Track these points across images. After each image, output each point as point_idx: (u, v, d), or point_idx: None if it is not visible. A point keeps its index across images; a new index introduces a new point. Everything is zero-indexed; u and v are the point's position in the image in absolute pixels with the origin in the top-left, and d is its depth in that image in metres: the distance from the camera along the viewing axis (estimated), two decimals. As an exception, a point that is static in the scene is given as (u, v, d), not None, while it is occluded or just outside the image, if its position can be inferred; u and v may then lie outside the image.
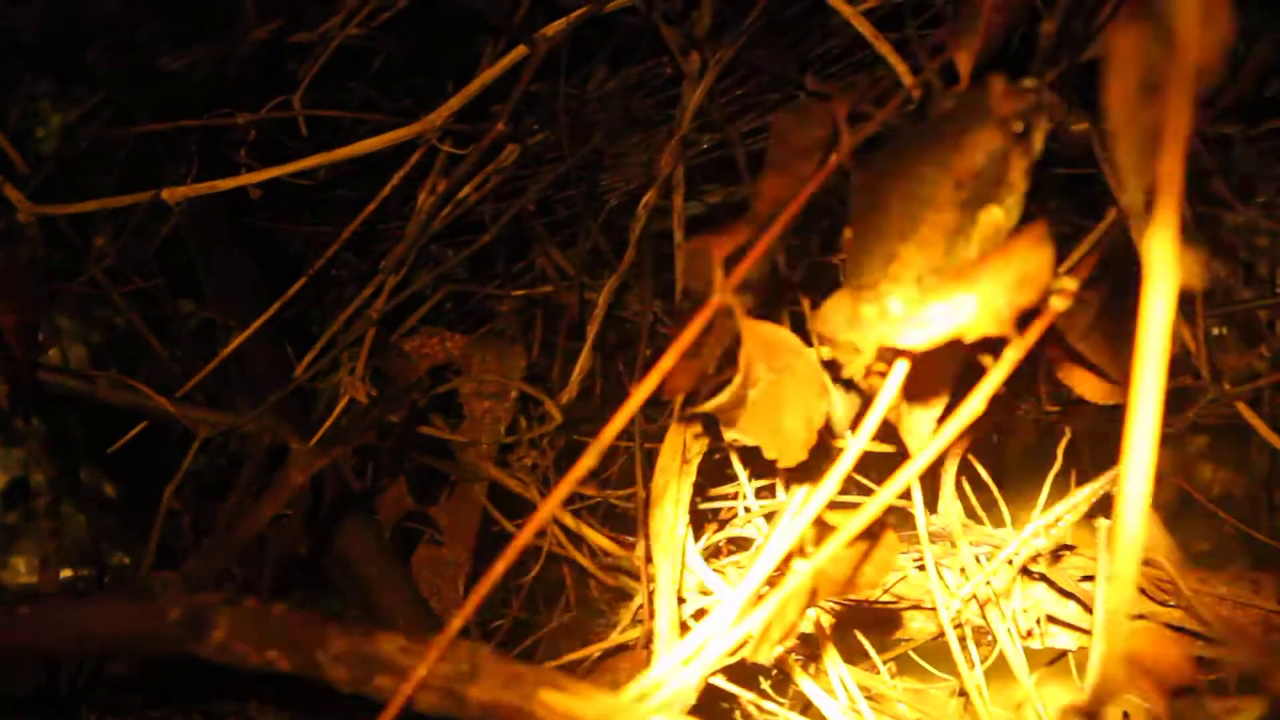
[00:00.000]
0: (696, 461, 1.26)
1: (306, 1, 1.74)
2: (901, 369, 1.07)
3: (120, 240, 1.57)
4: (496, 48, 1.50)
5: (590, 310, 1.36)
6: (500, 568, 1.06)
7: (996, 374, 1.02)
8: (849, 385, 1.15)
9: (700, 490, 1.30)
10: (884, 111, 1.20)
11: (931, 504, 1.20)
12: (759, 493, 1.31)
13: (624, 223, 1.39)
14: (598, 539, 1.30)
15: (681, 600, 1.24)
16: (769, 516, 1.30)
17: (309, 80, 1.59)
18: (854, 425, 1.16)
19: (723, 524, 1.32)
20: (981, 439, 1.22)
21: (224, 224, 1.46)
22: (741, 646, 1.06)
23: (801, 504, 1.21)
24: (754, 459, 1.30)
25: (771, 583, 1.06)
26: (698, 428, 1.25)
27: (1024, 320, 1.04)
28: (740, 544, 1.33)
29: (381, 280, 1.39)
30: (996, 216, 1.04)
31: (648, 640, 1.23)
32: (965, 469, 1.23)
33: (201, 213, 1.46)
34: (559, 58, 1.43)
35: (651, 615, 1.21)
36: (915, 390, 1.11)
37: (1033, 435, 1.28)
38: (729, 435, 1.21)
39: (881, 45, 1.31)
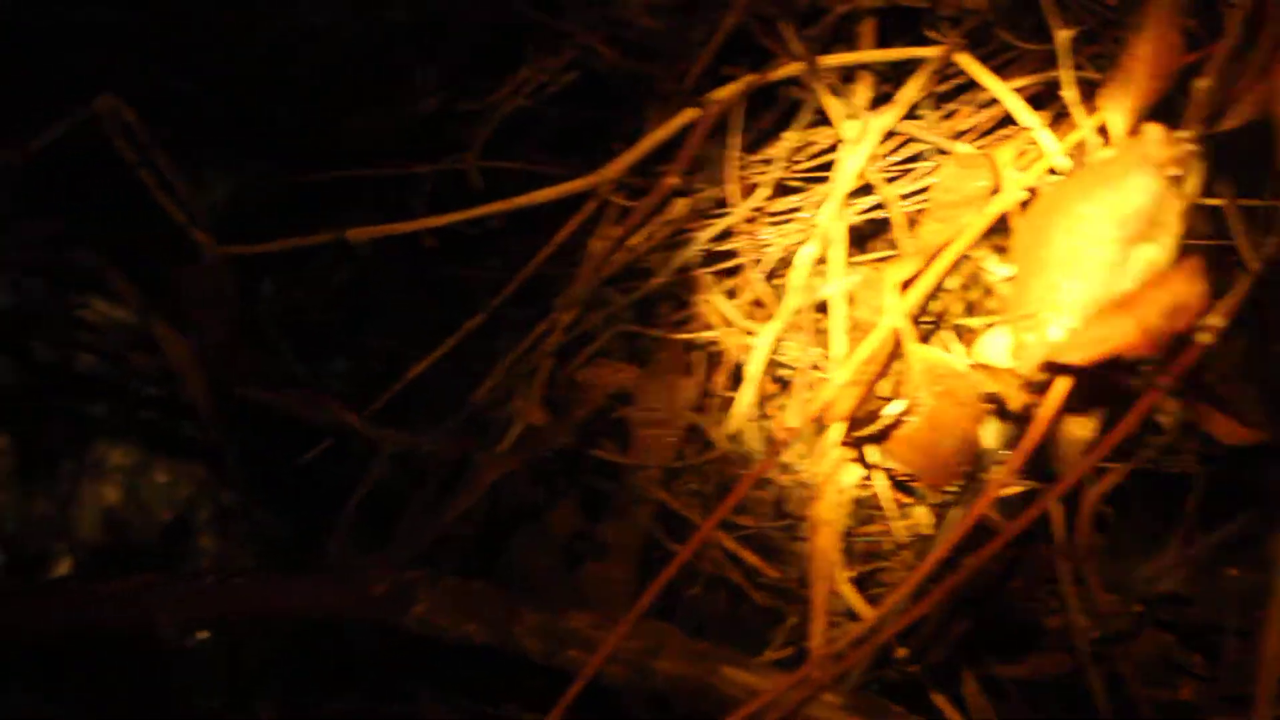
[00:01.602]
0: (851, 489, 1.34)
1: (476, 74, 1.87)
2: (1061, 389, 1.14)
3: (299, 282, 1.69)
4: (665, 110, 1.61)
5: (750, 354, 1.45)
6: (667, 575, 1.16)
7: (1146, 400, 1.10)
8: (1004, 414, 1.23)
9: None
10: (1035, 172, 1.29)
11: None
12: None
13: (784, 274, 1.49)
14: (754, 561, 1.38)
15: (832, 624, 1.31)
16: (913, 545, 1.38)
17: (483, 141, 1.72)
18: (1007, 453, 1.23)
19: (871, 555, 1.40)
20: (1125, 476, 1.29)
21: (404, 266, 1.57)
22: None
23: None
24: (901, 488, 1.38)
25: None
26: (853, 453, 1.33)
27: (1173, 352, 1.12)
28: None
29: (555, 318, 1.49)
30: (1152, 254, 1.12)
31: (799, 659, 1.30)
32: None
33: (383, 256, 1.57)
34: (726, 120, 1.53)
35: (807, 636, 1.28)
36: (1070, 415, 1.17)
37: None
38: (883, 460, 1.30)
39: (1031, 120, 1.41)
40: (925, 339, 1.36)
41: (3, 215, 1.59)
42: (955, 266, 1.34)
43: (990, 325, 1.33)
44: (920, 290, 1.31)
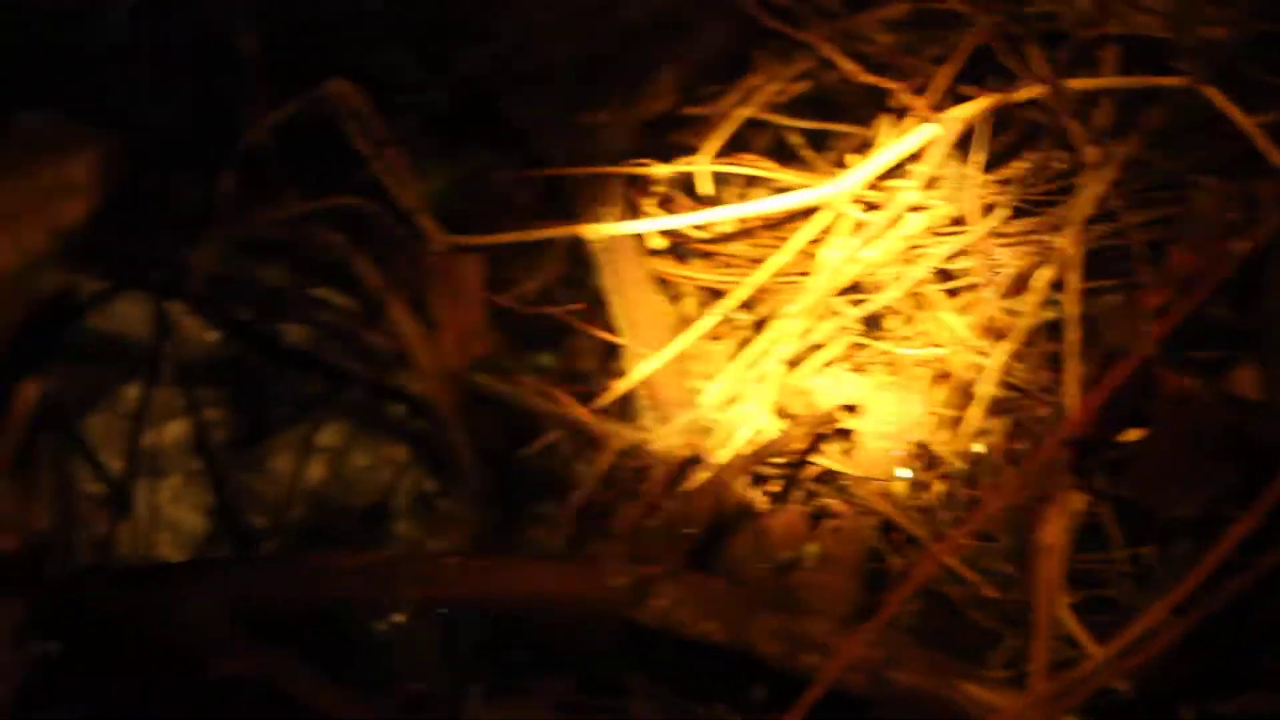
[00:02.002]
0: (1077, 514, 1.33)
1: (706, 79, 1.89)
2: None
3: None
4: (899, 125, 1.61)
5: (981, 373, 1.45)
6: (906, 590, 1.17)
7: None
8: (1253, 449, 1.21)
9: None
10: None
11: None
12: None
13: (1017, 295, 1.49)
14: (975, 579, 1.38)
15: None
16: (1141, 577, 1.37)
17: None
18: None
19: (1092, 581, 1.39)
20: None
21: (637, 264, 1.59)
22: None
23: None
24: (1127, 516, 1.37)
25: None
26: (1082, 479, 1.32)
27: None
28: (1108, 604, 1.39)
29: (786, 325, 1.51)
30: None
31: (1017, 680, 1.30)
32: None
33: (616, 253, 1.59)
34: (967, 138, 1.53)
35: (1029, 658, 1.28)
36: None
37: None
38: (1114, 487, 1.29)
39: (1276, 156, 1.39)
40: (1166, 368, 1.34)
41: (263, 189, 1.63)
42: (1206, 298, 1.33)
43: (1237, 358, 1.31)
44: (1171, 319, 1.30)
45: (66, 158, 0.72)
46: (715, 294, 1.69)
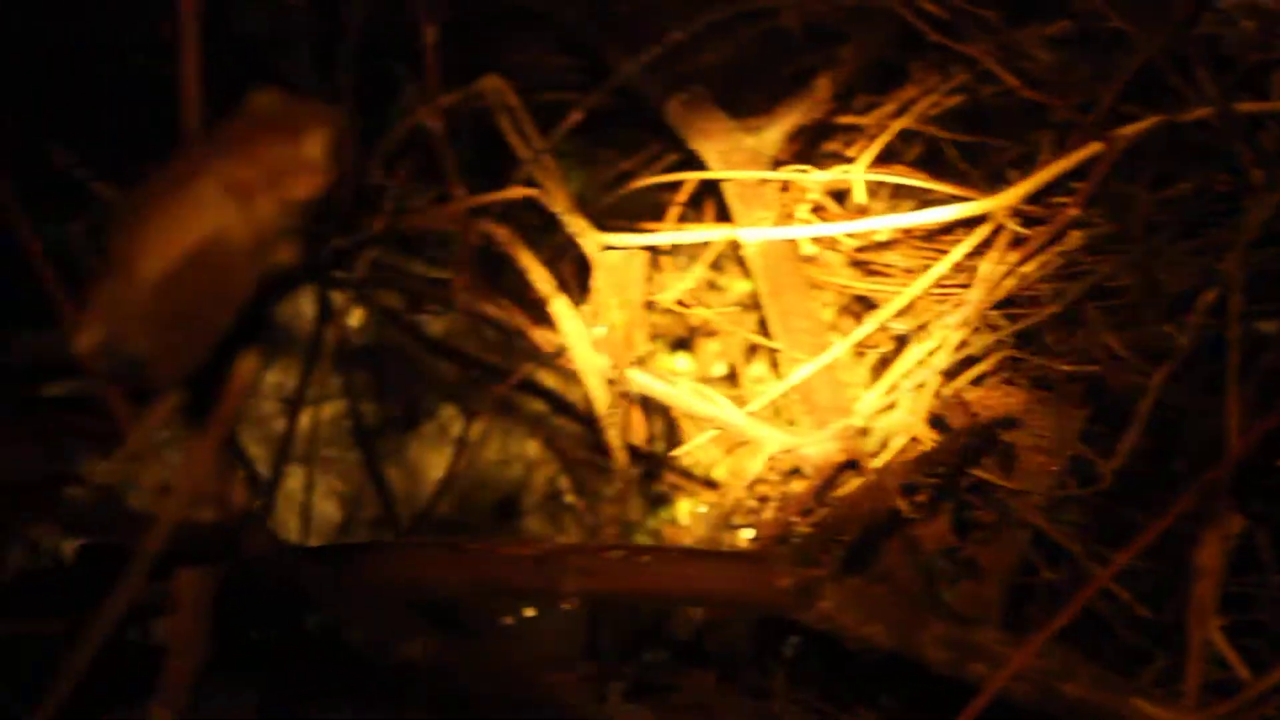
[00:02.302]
0: (1234, 538, 1.33)
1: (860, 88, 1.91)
2: None
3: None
4: (1059, 141, 1.62)
5: (1141, 393, 1.45)
6: (1072, 609, 1.17)
7: None
8: None
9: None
10: None
11: None
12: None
13: (1178, 318, 1.49)
14: (1127, 598, 1.39)
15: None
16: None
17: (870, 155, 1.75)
18: None
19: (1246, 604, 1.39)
20: None
21: (791, 270, 1.60)
22: None
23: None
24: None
25: None
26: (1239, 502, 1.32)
27: None
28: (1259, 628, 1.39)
29: (946, 336, 1.51)
30: None
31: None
32: None
33: (771, 258, 1.61)
34: (1130, 156, 1.53)
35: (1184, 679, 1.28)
36: None
37: None
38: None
39: None
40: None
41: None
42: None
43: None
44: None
45: (299, 135, 0.74)
46: (867, 302, 1.70)
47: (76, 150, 1.86)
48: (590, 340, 1.48)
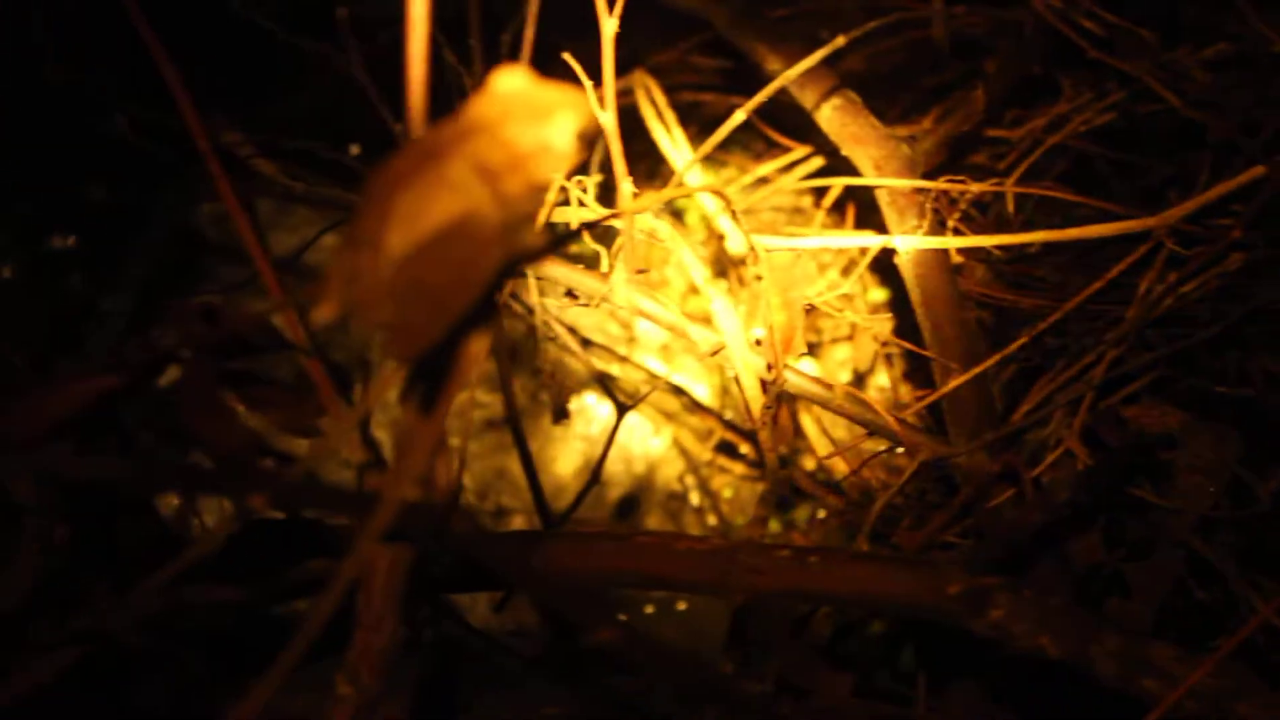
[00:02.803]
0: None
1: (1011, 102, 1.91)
2: None
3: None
4: (1220, 162, 1.61)
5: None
6: (1244, 632, 1.17)
7: None
8: None
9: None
10: None
11: None
12: None
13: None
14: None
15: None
16: None
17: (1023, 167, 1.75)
18: None
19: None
20: None
21: (944, 280, 1.60)
22: None
23: None
24: None
25: None
26: None
27: None
28: None
29: (1102, 352, 1.51)
30: None
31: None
32: None
33: (924, 267, 1.61)
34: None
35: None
36: None
37: None
38: None
39: None
40: None
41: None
42: None
43: None
44: None
45: (546, 119, 0.75)
46: (1020, 314, 1.70)
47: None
48: (749, 340, 1.48)
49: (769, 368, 1.48)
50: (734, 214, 1.48)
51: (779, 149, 2.15)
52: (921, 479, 1.56)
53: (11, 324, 2.11)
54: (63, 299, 2.20)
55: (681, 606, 2.06)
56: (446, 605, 1.40)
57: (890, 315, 1.97)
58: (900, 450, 1.58)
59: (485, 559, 1.08)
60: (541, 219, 0.83)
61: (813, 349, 2.15)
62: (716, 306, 1.50)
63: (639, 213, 1.42)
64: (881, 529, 1.56)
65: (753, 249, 1.48)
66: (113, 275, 2.16)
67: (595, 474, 1.55)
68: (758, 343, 1.51)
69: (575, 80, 1.33)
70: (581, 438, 2.25)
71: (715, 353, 1.53)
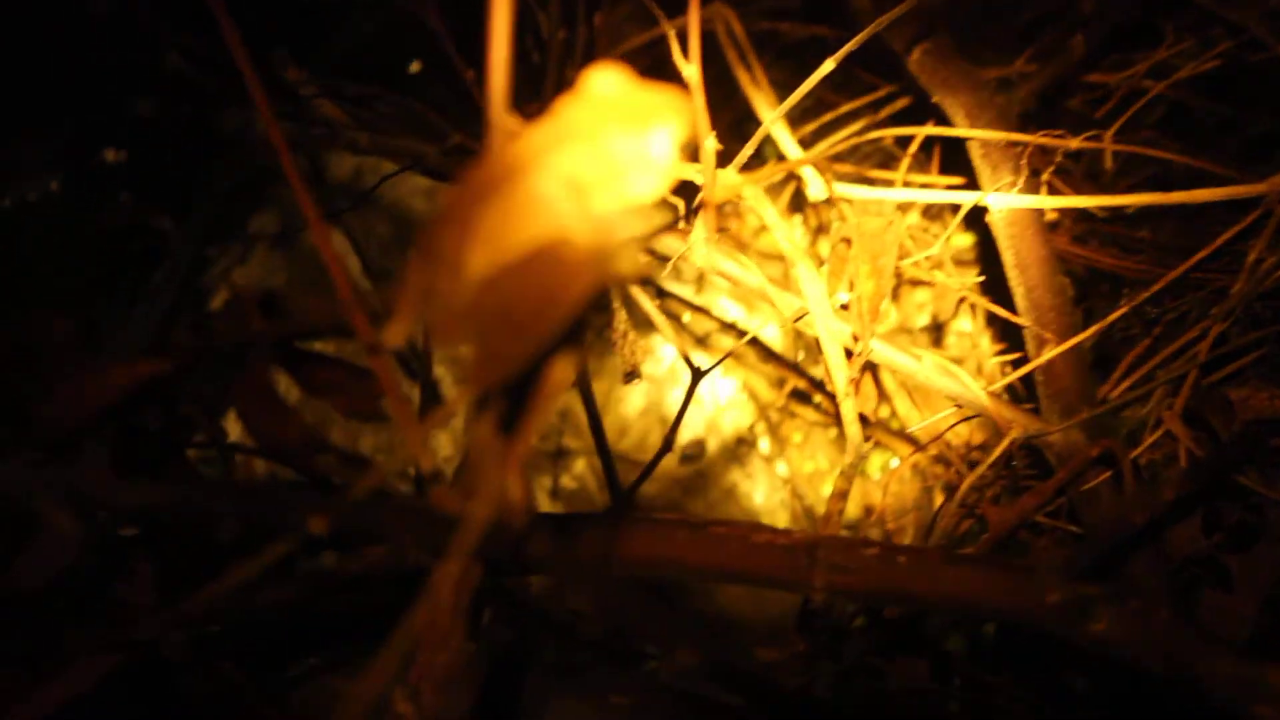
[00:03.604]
0: None
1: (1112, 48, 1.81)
2: None
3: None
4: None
5: None
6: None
7: None
8: None
9: None
10: None
11: None
12: None
13: None
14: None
15: None
16: None
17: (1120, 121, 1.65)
18: None
19: None
20: None
21: (1039, 241, 1.52)
22: None
23: None
24: None
25: None
26: None
27: None
28: None
29: (1208, 326, 1.42)
30: None
31: None
32: None
33: (1017, 227, 1.52)
34: None
35: None
36: None
37: None
38: None
39: None
40: None
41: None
42: None
43: None
44: None
45: (645, 126, 0.67)
46: (1121, 280, 1.61)
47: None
48: (833, 307, 1.40)
49: (854, 337, 1.40)
50: (827, 180, 1.40)
51: (859, 82, 2.05)
52: (1009, 456, 1.47)
53: (60, 245, 2.06)
54: (111, 215, 2.14)
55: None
56: (506, 592, 1.35)
57: (977, 267, 1.88)
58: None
59: (561, 570, 1.02)
60: (637, 241, 0.76)
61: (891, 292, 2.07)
62: (801, 272, 1.42)
63: (733, 189, 1.34)
64: (965, 499, 1.48)
65: (841, 214, 1.40)
66: (161, 192, 2.11)
67: (668, 441, 1.48)
68: (843, 308, 1.42)
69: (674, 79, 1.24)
70: (647, 377, 2.19)
71: (799, 319, 1.45)
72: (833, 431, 2.11)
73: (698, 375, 1.47)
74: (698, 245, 1.42)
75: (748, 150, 1.36)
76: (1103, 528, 1.30)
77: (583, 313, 0.74)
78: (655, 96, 0.71)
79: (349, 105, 1.66)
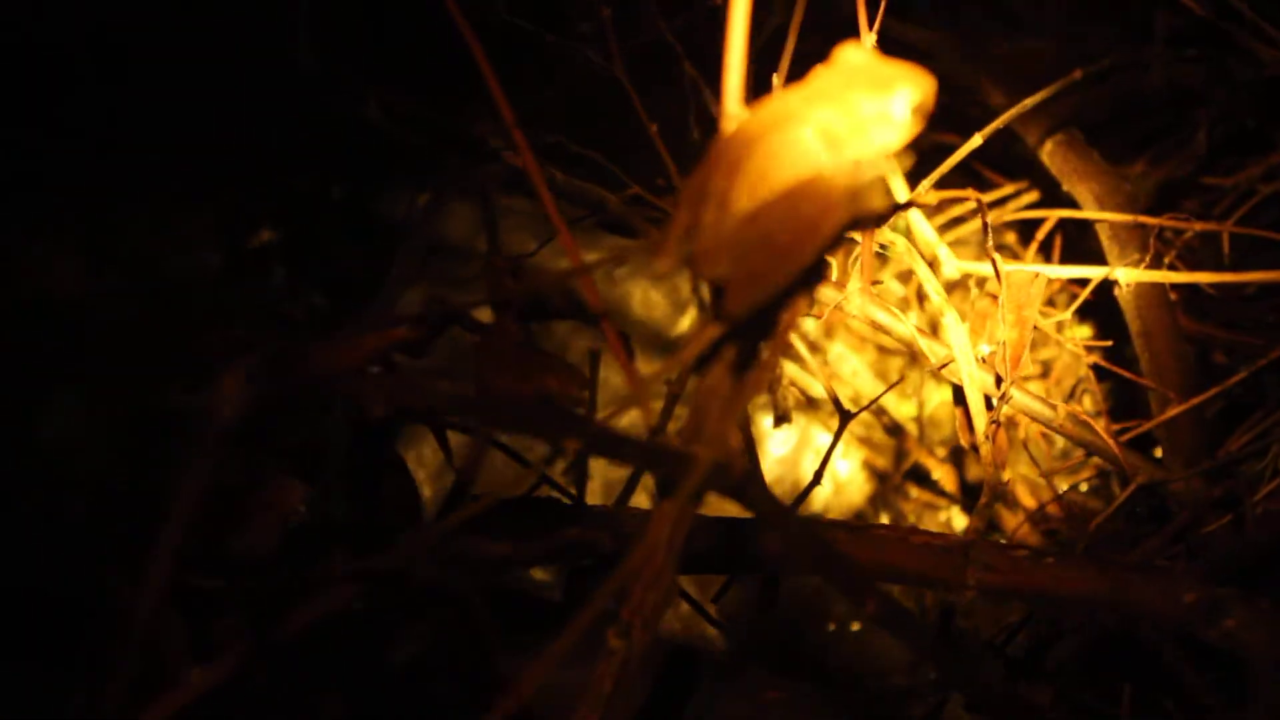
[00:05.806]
0: None
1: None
2: None
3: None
4: None
5: None
6: None
7: None
8: None
9: None
10: None
11: None
12: None
13: None
14: None
15: None
16: None
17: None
18: None
19: None
20: None
21: (1164, 312, 1.66)
22: None
23: None
24: None
25: None
26: None
27: None
28: None
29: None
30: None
31: None
32: None
33: (1144, 299, 1.67)
34: None
35: None
36: None
37: None
38: None
39: None
40: None
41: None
42: None
43: None
44: None
45: (888, 89, 0.83)
46: (1238, 353, 1.75)
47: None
48: (976, 357, 1.53)
49: (997, 383, 1.53)
50: (986, 228, 1.54)
51: (984, 180, 2.20)
52: (1132, 502, 1.59)
53: (210, 315, 2.16)
54: (262, 291, 2.25)
55: (855, 628, 2.10)
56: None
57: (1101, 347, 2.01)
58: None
59: (780, 524, 1.11)
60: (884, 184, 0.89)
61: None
62: (948, 321, 1.56)
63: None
64: (1088, 549, 1.60)
65: (996, 267, 1.54)
66: (313, 270, 2.23)
67: (818, 475, 1.61)
68: (983, 360, 1.55)
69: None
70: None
71: (943, 367, 1.58)
72: (942, 514, 2.23)
73: (846, 416, 1.61)
74: (853, 295, 1.57)
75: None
76: (1226, 544, 1.41)
77: (829, 251, 0.88)
78: (895, 65, 0.88)
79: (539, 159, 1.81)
